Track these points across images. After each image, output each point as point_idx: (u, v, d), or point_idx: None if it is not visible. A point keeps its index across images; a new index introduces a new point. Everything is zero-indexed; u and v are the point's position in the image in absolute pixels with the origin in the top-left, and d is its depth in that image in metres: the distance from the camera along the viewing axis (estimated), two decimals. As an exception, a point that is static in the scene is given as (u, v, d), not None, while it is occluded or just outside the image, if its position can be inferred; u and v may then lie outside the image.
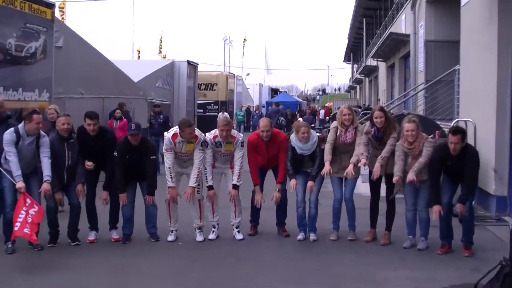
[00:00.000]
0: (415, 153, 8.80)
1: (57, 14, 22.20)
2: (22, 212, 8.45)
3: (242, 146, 9.56)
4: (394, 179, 8.80)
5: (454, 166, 8.59)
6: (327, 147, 9.41)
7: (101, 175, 9.62)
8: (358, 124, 9.61)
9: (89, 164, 9.23)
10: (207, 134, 9.56)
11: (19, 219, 8.40)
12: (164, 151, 9.42)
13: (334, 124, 9.76)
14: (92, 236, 9.48)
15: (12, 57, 13.69)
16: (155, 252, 8.99)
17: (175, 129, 9.45)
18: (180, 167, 9.54)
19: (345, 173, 9.24)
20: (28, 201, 8.55)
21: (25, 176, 8.75)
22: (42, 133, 8.92)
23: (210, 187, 9.47)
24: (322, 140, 9.60)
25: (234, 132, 9.69)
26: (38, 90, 14.67)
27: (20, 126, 8.80)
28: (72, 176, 9.18)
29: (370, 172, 9.41)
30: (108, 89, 19.77)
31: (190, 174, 9.40)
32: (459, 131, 8.62)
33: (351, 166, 9.19)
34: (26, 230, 8.35)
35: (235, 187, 9.53)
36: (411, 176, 8.65)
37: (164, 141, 9.46)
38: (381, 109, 9.55)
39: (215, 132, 9.54)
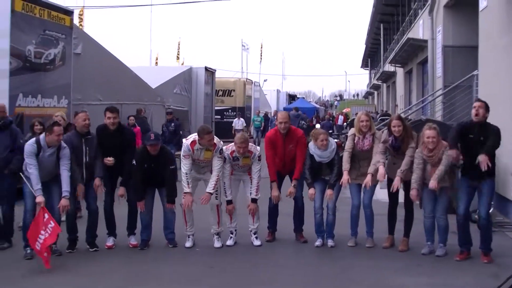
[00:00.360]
0: (434, 161, 8.75)
1: (76, 21, 22.34)
2: (42, 232, 8.47)
3: (259, 160, 9.58)
4: (411, 193, 8.81)
5: (476, 138, 8.48)
6: (345, 156, 9.40)
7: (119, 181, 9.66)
8: (376, 130, 9.59)
9: (109, 159, 9.28)
10: (224, 148, 9.54)
11: (39, 239, 8.41)
12: (182, 157, 9.44)
13: (351, 131, 9.74)
14: (110, 242, 9.52)
15: (31, 64, 13.84)
16: (173, 258, 9.00)
17: (193, 136, 9.46)
18: (198, 173, 9.55)
19: (363, 185, 9.22)
20: (46, 216, 8.57)
21: (45, 184, 8.81)
22: (63, 144, 8.94)
23: (229, 202, 9.50)
24: (340, 147, 9.58)
25: (251, 146, 9.64)
26: (57, 97, 14.82)
27: (41, 137, 8.85)
28: (90, 175, 9.23)
29: (389, 179, 9.38)
30: (126, 96, 19.89)
31: (207, 180, 9.41)
32: (483, 101, 8.71)
33: (369, 177, 9.16)
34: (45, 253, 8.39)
35: (254, 201, 9.55)
36: (433, 183, 8.60)
37: (182, 148, 9.47)
38: (399, 117, 9.52)
39: (232, 147, 9.55)
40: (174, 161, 9.72)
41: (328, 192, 9.40)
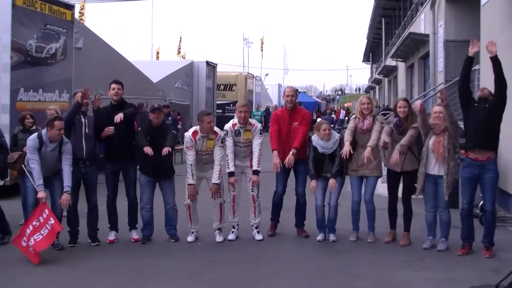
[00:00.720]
0: (440, 128, 8.81)
1: (77, 15, 22.32)
2: (35, 222, 8.53)
3: (261, 133, 9.61)
4: (393, 156, 8.97)
5: (481, 106, 8.62)
6: (347, 133, 9.48)
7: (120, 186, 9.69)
8: (376, 113, 9.66)
9: (110, 128, 9.28)
10: (226, 125, 9.64)
11: (28, 229, 8.49)
12: (185, 149, 9.48)
13: (353, 115, 9.85)
14: (112, 236, 9.54)
15: (32, 58, 13.83)
16: (175, 253, 9.01)
17: (195, 127, 9.52)
18: (201, 170, 9.54)
19: (363, 157, 9.15)
20: (46, 212, 8.60)
21: (47, 179, 8.83)
22: (65, 139, 8.94)
23: (231, 174, 9.49)
24: (341, 140, 9.58)
25: (252, 120, 9.78)
26: (58, 91, 14.81)
27: (43, 132, 8.85)
28: (91, 153, 9.27)
29: (389, 171, 9.39)
30: (127, 90, 19.71)
31: (210, 179, 9.44)
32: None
33: (368, 149, 9.13)
34: (30, 249, 8.41)
35: (256, 172, 9.52)
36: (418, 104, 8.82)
37: (185, 140, 9.49)
38: (405, 99, 9.66)
39: (233, 120, 9.64)
40: (176, 130, 9.81)
41: (331, 181, 9.33)
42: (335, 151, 9.43)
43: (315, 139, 9.50)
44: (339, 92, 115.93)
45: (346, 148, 9.26)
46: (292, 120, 9.72)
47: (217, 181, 9.33)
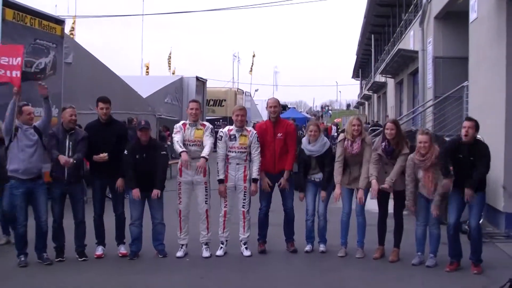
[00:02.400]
0: (426, 165, 8.80)
1: (67, 30, 22.31)
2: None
3: (258, 141, 9.62)
4: (409, 208, 9.09)
5: (466, 158, 8.56)
6: (336, 167, 9.47)
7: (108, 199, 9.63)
8: (366, 135, 9.68)
9: (102, 155, 9.22)
10: (220, 130, 9.78)
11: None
12: (174, 134, 9.58)
13: (341, 136, 9.88)
14: (99, 251, 9.47)
15: (22, 73, 13.74)
16: (163, 268, 8.96)
17: (184, 121, 9.77)
18: (190, 170, 9.49)
19: (356, 198, 9.39)
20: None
21: (30, 184, 8.83)
22: (78, 129, 9.31)
23: (220, 181, 9.52)
24: (331, 149, 9.69)
25: (249, 127, 9.90)
26: (47, 106, 14.69)
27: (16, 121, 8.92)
28: (75, 172, 9.18)
29: (379, 190, 9.40)
30: (117, 105, 19.66)
31: (198, 186, 9.48)
32: (473, 119, 8.75)
33: (361, 193, 9.34)
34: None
35: (255, 180, 9.53)
36: (434, 210, 8.79)
37: (174, 128, 9.69)
38: (393, 121, 9.65)
39: (229, 126, 9.77)
40: (165, 149, 9.90)
41: (322, 193, 9.52)
42: (324, 156, 9.52)
43: (304, 141, 9.70)
44: (329, 107, 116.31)
45: (337, 191, 9.42)
46: (276, 132, 9.72)
47: (206, 156, 9.30)
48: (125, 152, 9.31)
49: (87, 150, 9.27)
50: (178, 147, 9.34)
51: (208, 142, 9.44)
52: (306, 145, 9.66)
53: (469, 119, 8.94)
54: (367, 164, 9.30)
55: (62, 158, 8.91)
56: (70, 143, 9.15)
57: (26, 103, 9.29)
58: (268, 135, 9.71)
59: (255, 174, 9.54)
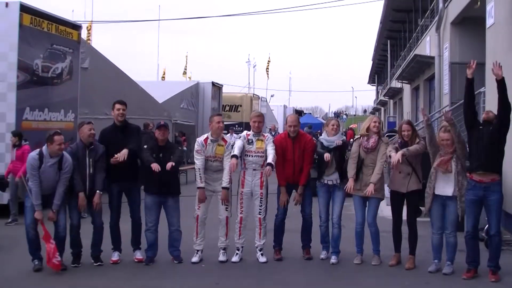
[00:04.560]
0: (447, 152, 8.83)
1: (84, 35, 22.42)
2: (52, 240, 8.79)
3: (274, 143, 9.66)
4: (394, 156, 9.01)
5: (485, 128, 8.62)
6: (350, 163, 9.49)
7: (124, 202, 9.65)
8: (382, 134, 9.77)
9: (116, 156, 9.18)
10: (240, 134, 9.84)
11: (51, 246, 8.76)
12: (195, 153, 9.58)
13: (357, 137, 9.95)
14: (115, 256, 9.49)
15: (38, 78, 13.89)
16: (178, 274, 8.96)
17: (206, 134, 9.75)
18: (211, 181, 9.54)
19: (366, 192, 9.24)
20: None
21: (47, 197, 8.87)
22: (66, 156, 8.97)
23: (225, 188, 9.46)
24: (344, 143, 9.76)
25: (265, 133, 10.03)
26: (63, 111, 14.86)
27: (44, 148, 8.87)
28: (95, 186, 9.19)
29: (392, 193, 9.36)
30: (133, 110, 19.82)
31: (220, 194, 9.50)
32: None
33: (371, 186, 9.21)
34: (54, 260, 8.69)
35: (270, 165, 9.41)
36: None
37: (195, 144, 9.65)
38: (409, 122, 9.64)
39: (246, 131, 9.84)
40: (181, 146, 9.88)
41: (351, 183, 9.40)
42: (340, 147, 9.57)
43: (323, 135, 9.83)
44: (346, 112, 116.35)
45: (350, 183, 9.37)
46: (296, 147, 9.69)
47: (227, 185, 9.38)
48: (144, 146, 9.35)
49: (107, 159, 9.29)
50: (198, 179, 9.45)
51: (227, 168, 9.43)
52: (324, 136, 9.74)
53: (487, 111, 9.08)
54: (380, 164, 9.33)
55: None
56: (91, 159, 9.16)
57: (59, 132, 9.12)
58: (288, 151, 9.71)
59: (270, 159, 9.44)
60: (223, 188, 9.41)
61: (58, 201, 8.85)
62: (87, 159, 9.15)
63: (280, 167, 9.66)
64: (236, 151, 9.43)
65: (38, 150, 8.96)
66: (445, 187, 8.83)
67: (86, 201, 9.07)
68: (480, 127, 8.70)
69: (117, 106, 9.60)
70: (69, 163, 8.93)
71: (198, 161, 9.46)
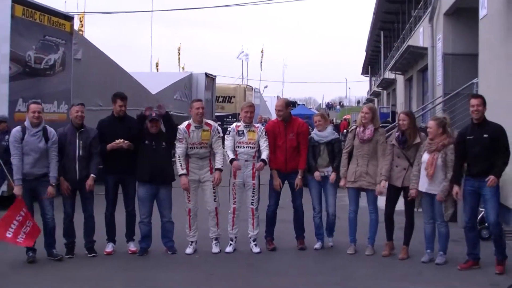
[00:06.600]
0: (431, 149, 8.81)
1: (76, 26, 22.34)
2: (18, 216, 8.65)
3: (266, 135, 9.64)
4: (411, 192, 8.95)
5: (479, 139, 8.43)
6: (343, 158, 9.52)
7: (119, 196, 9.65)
8: (379, 125, 9.74)
9: (119, 141, 9.20)
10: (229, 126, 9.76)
11: (12, 225, 8.60)
12: (176, 141, 9.47)
13: (352, 127, 9.94)
14: (109, 248, 9.49)
15: (31, 69, 13.83)
16: (172, 265, 8.97)
17: (187, 121, 9.62)
18: (198, 169, 9.51)
19: (376, 192, 9.36)
20: (22, 213, 8.67)
21: (34, 181, 8.83)
22: (50, 130, 8.98)
23: (232, 160, 9.43)
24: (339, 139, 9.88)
25: (257, 124, 9.98)
26: (56, 102, 14.81)
27: (26, 120, 8.90)
28: (85, 169, 9.14)
29: (389, 186, 9.33)
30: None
31: (206, 183, 9.49)
32: (480, 95, 8.77)
33: (383, 184, 9.24)
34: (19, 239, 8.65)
35: (263, 161, 9.49)
36: (440, 196, 8.73)
37: (177, 132, 9.49)
38: (406, 112, 9.61)
39: (236, 122, 9.79)
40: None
41: (332, 176, 9.57)
42: (331, 141, 9.63)
43: (315, 129, 9.82)
44: (340, 103, 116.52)
45: (342, 182, 9.52)
46: (288, 132, 9.70)
47: (220, 167, 9.39)
48: (146, 142, 9.32)
49: (102, 147, 9.27)
50: (178, 166, 9.40)
51: (219, 151, 9.48)
52: (315, 131, 9.76)
53: (475, 96, 8.93)
54: (384, 157, 9.32)
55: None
56: (80, 141, 9.12)
57: (36, 101, 9.22)
58: (280, 135, 9.70)
59: (264, 156, 9.49)
60: (216, 169, 9.40)
61: (54, 173, 8.84)
62: (77, 140, 9.11)
63: (271, 154, 9.62)
64: (230, 155, 9.42)
65: (20, 126, 8.99)
66: (426, 184, 8.86)
67: (67, 184, 9.04)
68: (471, 136, 8.53)
69: (119, 102, 9.52)
70: (54, 133, 8.94)
71: (179, 149, 9.40)
